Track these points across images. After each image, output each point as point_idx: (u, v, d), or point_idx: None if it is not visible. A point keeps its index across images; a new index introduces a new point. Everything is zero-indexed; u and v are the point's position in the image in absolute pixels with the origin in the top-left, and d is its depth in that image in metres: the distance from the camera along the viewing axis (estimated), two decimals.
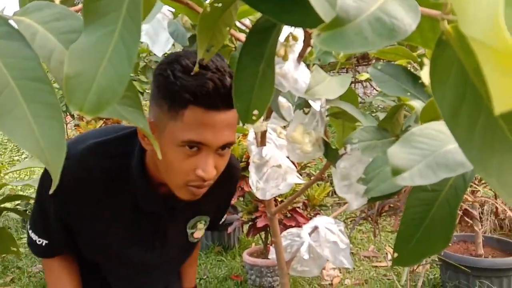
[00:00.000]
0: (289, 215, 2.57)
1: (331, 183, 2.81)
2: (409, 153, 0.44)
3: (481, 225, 2.96)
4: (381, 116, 0.77)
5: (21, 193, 3.93)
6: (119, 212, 0.94)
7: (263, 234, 2.84)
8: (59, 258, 1.02)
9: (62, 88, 0.31)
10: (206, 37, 0.49)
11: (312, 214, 2.67)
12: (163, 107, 0.77)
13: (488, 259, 2.46)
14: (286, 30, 0.55)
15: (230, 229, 2.84)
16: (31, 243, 1.00)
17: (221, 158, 0.81)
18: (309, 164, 3.10)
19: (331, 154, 0.72)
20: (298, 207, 2.64)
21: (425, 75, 0.68)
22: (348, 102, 0.70)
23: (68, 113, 4.82)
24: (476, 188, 2.38)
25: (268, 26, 0.44)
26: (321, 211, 2.78)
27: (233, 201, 2.61)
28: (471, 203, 2.37)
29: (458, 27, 0.30)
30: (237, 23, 0.75)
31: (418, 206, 0.52)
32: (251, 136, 0.86)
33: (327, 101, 0.68)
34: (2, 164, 5.85)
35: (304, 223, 0.99)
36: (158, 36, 0.91)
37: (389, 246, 3.21)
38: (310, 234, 0.90)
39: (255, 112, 0.44)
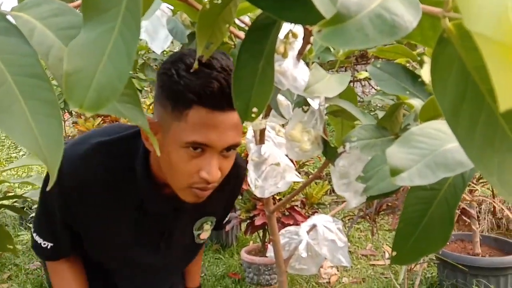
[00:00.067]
0: (287, 213, 2.57)
1: (330, 182, 2.81)
2: (407, 153, 0.43)
3: (479, 224, 2.97)
4: (380, 114, 0.77)
5: (18, 190, 3.92)
6: (124, 213, 0.93)
7: (261, 232, 2.84)
8: (64, 261, 1.01)
9: (61, 85, 0.31)
10: (205, 34, 0.49)
11: (310, 213, 2.67)
12: (167, 107, 0.76)
13: (486, 258, 2.47)
14: (285, 27, 0.54)
15: (228, 227, 2.83)
16: (35, 246, 0.98)
17: (226, 160, 0.80)
18: (307, 163, 3.10)
19: (330, 153, 0.71)
20: (296, 205, 2.64)
21: (425, 73, 0.67)
22: (347, 100, 0.69)
23: (66, 111, 4.80)
24: (474, 187, 2.38)
25: (268, 23, 0.43)
26: (319, 209, 2.78)
27: None
28: (469, 202, 2.37)
29: (460, 25, 0.29)
30: (236, 21, 0.75)
31: (417, 204, 0.51)
32: (249, 134, 0.86)
33: (326, 99, 0.68)
34: None
35: (302, 221, 0.99)
36: (157, 33, 0.91)
37: (386, 244, 3.21)
38: (308, 232, 0.90)
39: (255, 109, 0.44)
